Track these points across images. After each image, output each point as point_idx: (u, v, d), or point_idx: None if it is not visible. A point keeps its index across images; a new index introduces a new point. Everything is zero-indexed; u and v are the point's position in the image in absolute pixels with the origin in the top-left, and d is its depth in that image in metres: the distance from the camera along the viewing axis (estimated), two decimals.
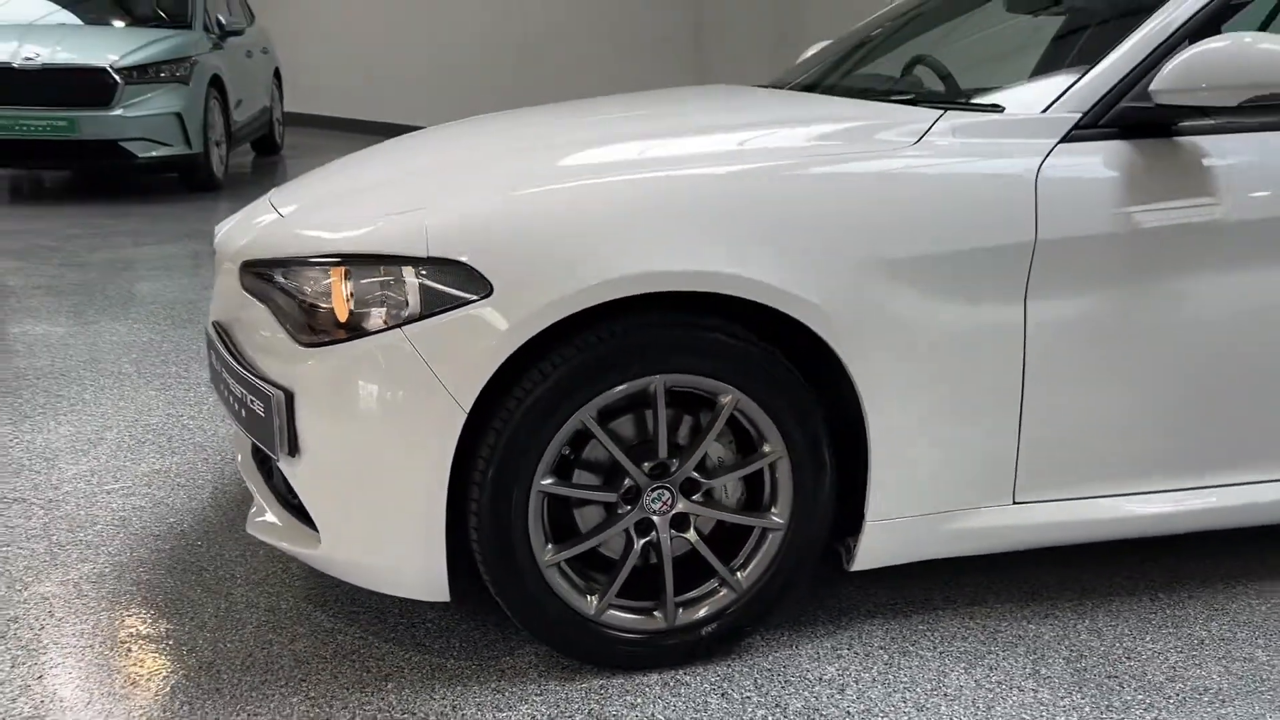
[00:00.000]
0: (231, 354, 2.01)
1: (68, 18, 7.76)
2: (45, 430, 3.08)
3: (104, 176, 8.12)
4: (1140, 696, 1.92)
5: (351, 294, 1.82)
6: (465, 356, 1.75)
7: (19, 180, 8.10)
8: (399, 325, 1.77)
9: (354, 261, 1.83)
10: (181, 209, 6.95)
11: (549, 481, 1.84)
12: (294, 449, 1.86)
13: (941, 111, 2.02)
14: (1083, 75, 2.00)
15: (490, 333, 1.74)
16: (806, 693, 1.91)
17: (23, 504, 2.61)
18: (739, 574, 1.97)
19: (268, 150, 9.89)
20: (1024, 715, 1.86)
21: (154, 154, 7.15)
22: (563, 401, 1.79)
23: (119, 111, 6.97)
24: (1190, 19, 1.98)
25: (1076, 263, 1.92)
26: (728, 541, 1.99)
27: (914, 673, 1.98)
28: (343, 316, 1.82)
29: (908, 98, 2.31)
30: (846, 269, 1.84)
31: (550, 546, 1.88)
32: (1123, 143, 1.97)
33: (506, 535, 1.82)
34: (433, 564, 1.83)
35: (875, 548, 2.00)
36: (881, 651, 2.05)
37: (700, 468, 1.93)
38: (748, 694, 1.91)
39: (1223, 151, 2.00)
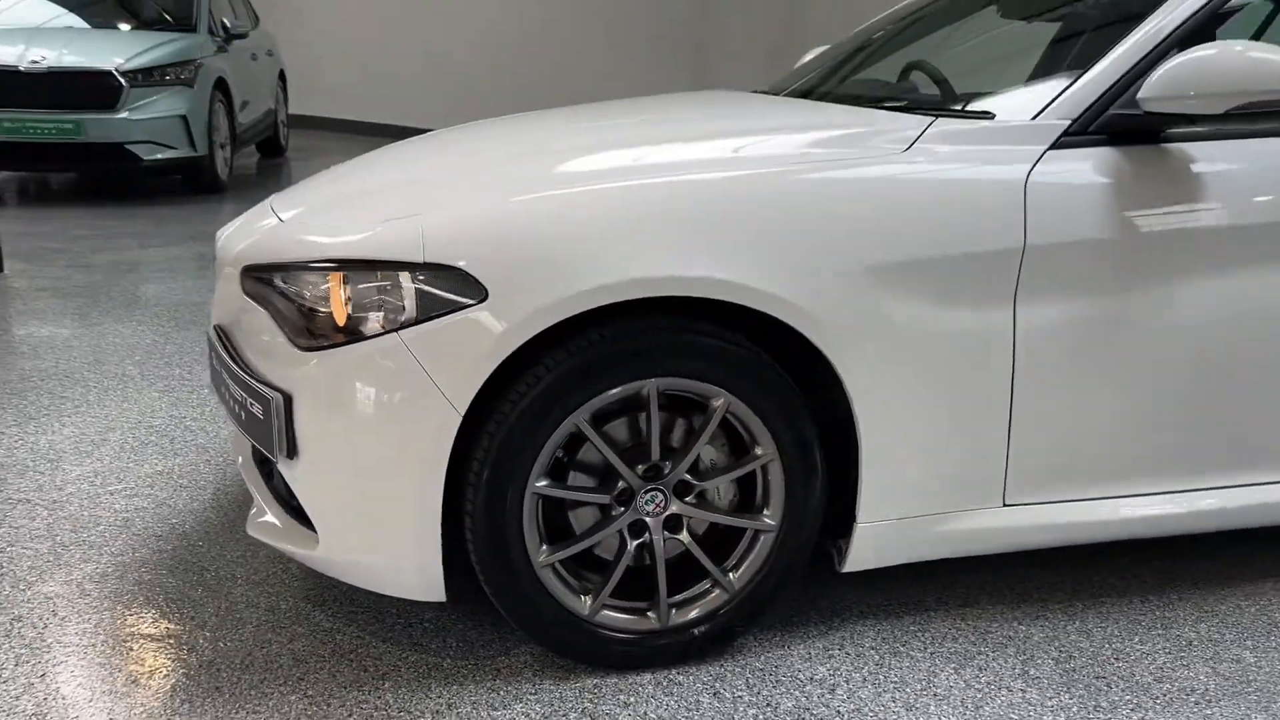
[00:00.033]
0: (232, 357, 2.04)
1: (74, 21, 7.81)
2: (50, 432, 3.11)
3: (110, 179, 8.17)
4: (1127, 697, 1.94)
5: (349, 298, 1.85)
6: (461, 360, 1.77)
7: (26, 182, 8.14)
8: (396, 329, 1.80)
9: (352, 267, 1.86)
10: (186, 211, 6.99)
11: (543, 483, 1.87)
12: (292, 451, 1.89)
13: (932, 119, 2.05)
14: (1072, 82, 2.03)
15: (485, 337, 1.76)
16: (797, 692, 1.94)
17: (27, 505, 2.65)
18: (731, 575, 2.00)
19: (272, 152, 9.93)
20: (1012, 715, 1.88)
21: (159, 156, 7.19)
22: (556, 405, 1.82)
23: (124, 114, 7.02)
24: (1178, 28, 2.01)
25: (1065, 268, 1.95)
26: (720, 543, 2.02)
27: (904, 673, 2.00)
28: (341, 320, 1.85)
29: (900, 105, 2.33)
30: (837, 274, 1.86)
31: (545, 547, 1.91)
32: (1111, 149, 2.00)
33: (501, 536, 1.85)
34: (428, 564, 1.86)
35: (866, 549, 2.02)
36: (873, 652, 2.07)
37: (693, 470, 1.95)
38: (739, 693, 1.94)
39: (1210, 158, 2.02)
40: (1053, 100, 2.02)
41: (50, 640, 2.07)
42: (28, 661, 2.00)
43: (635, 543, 1.95)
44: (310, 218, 2.10)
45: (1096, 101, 2.00)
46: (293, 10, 12.14)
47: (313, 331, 1.88)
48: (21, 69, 6.89)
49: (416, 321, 1.79)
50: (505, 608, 1.92)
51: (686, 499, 1.96)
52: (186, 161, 7.36)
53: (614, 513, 1.93)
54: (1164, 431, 2.08)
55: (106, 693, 1.91)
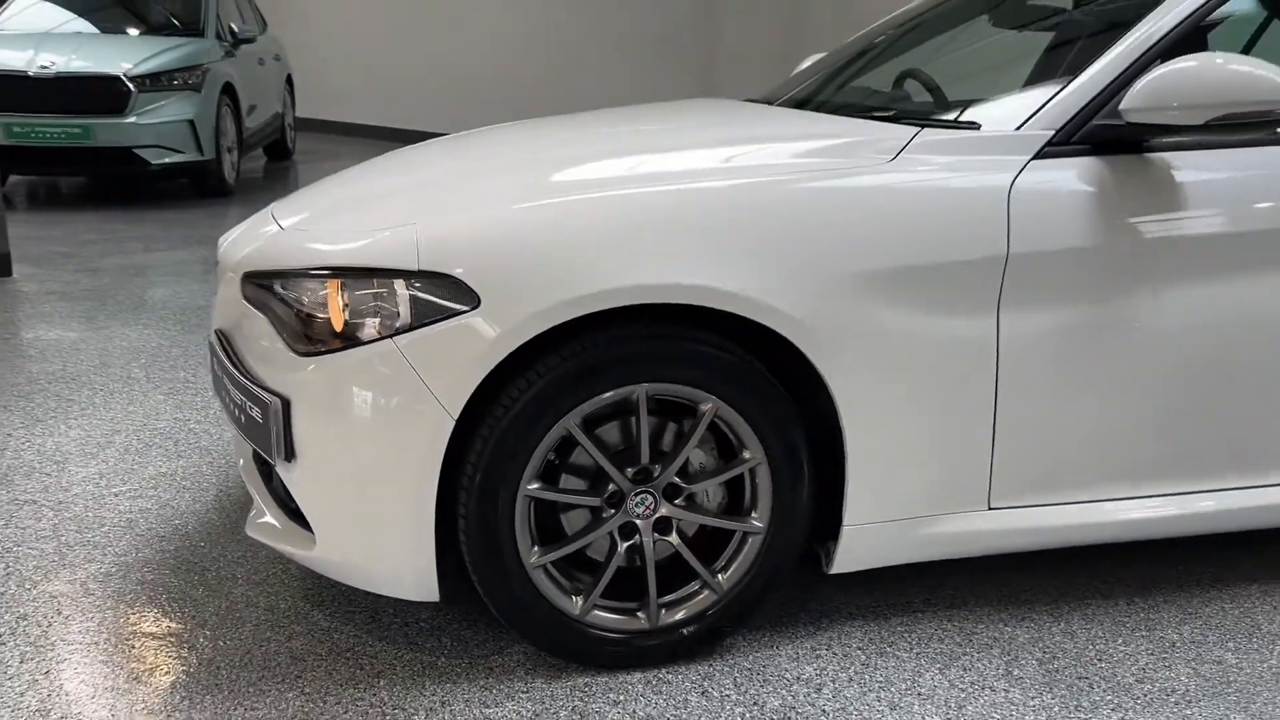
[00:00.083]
0: (232, 362, 2.09)
1: (83, 26, 7.88)
2: (56, 434, 3.17)
3: (118, 182, 8.24)
4: (1109, 697, 1.98)
5: (346, 304, 1.90)
6: (454, 365, 1.82)
7: (36, 186, 8.22)
8: (391, 335, 1.84)
9: (349, 274, 1.91)
10: (193, 214, 7.06)
11: (535, 486, 1.91)
12: (290, 454, 1.94)
13: (918, 129, 2.08)
14: (1057, 93, 2.06)
15: (478, 343, 1.81)
16: (784, 691, 1.98)
17: (33, 506, 2.70)
18: (720, 576, 2.04)
19: (280, 155, 10.00)
20: (994, 714, 1.92)
21: (167, 160, 7.25)
22: (548, 409, 1.86)
23: (133, 119, 7.09)
24: (1159, 40, 2.04)
25: (1047, 276, 1.98)
26: (709, 545, 2.06)
27: (890, 673, 2.04)
28: (338, 326, 1.90)
29: (889, 114, 2.37)
30: (823, 282, 1.90)
31: (536, 549, 1.95)
32: (1094, 159, 2.03)
33: (494, 538, 1.90)
34: (422, 565, 1.90)
35: (853, 551, 2.06)
36: (859, 652, 2.11)
37: (682, 473, 1.99)
38: (727, 692, 1.97)
39: (1191, 168, 2.06)
40: (1037, 111, 2.05)
41: (55, 638, 2.12)
42: (33, 658, 2.05)
43: (626, 544, 1.99)
44: (309, 225, 2.14)
45: (1080, 112, 2.03)
46: (299, 14, 12.22)
47: (310, 337, 1.93)
48: (31, 74, 6.97)
49: (411, 328, 1.84)
50: (498, 608, 1.96)
51: (676, 501, 2.00)
52: (194, 165, 7.43)
53: (605, 515, 1.97)
54: (1147, 436, 2.12)
55: (109, 689, 1.96)
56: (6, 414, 3.32)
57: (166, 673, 2.01)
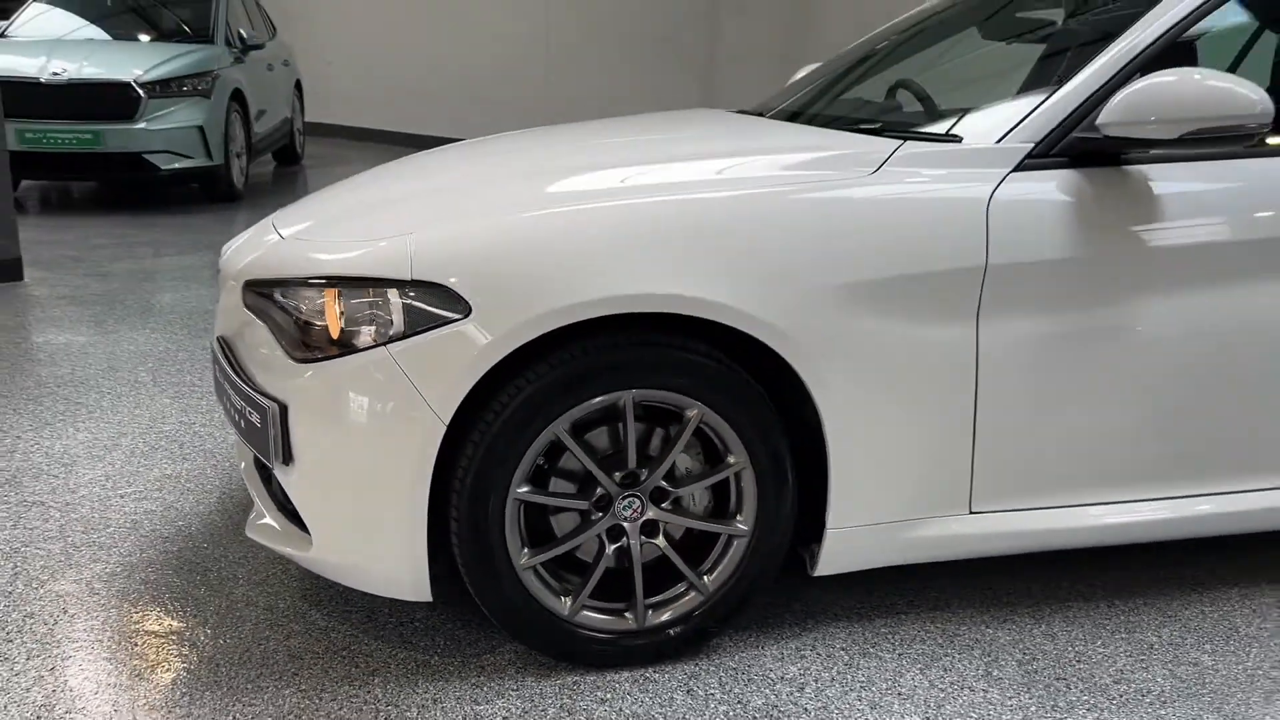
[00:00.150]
0: (233, 368, 2.15)
1: (95, 33, 7.99)
2: (64, 436, 3.23)
3: (128, 188, 8.34)
4: (1085, 697, 2.02)
5: (343, 313, 1.95)
6: (445, 372, 1.87)
7: (48, 191, 8.32)
8: (385, 343, 1.90)
9: (345, 283, 1.97)
10: (203, 219, 7.14)
11: (525, 489, 1.97)
12: (288, 458, 1.99)
13: (900, 141, 2.13)
14: (1037, 106, 2.11)
15: (469, 350, 1.86)
16: (768, 690, 2.03)
17: (41, 507, 2.76)
18: (706, 578, 2.09)
19: (289, 160, 10.09)
20: (972, 714, 1.97)
21: (176, 166, 7.35)
22: (537, 415, 1.91)
23: (143, 125, 7.18)
24: (1139, 54, 2.09)
25: (1025, 286, 2.03)
26: (696, 547, 2.11)
27: (871, 673, 2.09)
28: (335, 334, 1.95)
29: (874, 127, 2.42)
30: (806, 292, 1.95)
31: (526, 551, 2.00)
32: (1073, 171, 2.08)
33: (485, 540, 1.95)
34: (415, 566, 1.96)
35: (836, 554, 2.11)
36: (843, 653, 2.16)
37: (669, 477, 2.05)
38: (712, 691, 2.03)
39: (1168, 180, 2.10)
40: (1018, 124, 2.10)
41: (60, 636, 2.18)
42: (38, 656, 2.11)
43: (613, 546, 2.05)
44: (308, 235, 2.20)
45: (1059, 125, 2.08)
46: (307, 20, 12.32)
47: (308, 344, 1.99)
48: (43, 81, 7.06)
49: (404, 335, 1.89)
50: (489, 608, 2.01)
51: (663, 505, 2.05)
52: (203, 171, 7.52)
53: (593, 518, 2.03)
54: (1124, 442, 2.16)
55: (112, 685, 2.02)
56: (16, 417, 3.39)
57: (168, 670, 2.07)
